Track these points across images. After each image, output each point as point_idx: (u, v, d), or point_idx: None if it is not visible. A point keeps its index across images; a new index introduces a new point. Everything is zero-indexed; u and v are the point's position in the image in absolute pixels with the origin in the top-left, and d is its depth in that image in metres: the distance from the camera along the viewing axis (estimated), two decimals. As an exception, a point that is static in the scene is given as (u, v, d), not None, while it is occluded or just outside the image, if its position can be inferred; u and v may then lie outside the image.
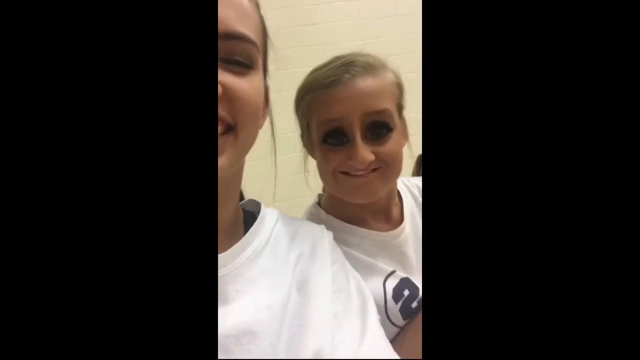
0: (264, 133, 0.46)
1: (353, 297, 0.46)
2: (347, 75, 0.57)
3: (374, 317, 0.45)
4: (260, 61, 0.40)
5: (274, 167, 0.53)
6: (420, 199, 0.71)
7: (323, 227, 0.54)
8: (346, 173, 0.59)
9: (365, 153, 0.56)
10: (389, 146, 0.58)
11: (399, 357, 0.44)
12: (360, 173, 0.58)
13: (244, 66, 0.37)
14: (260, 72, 0.41)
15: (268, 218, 0.49)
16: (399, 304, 0.60)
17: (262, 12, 0.42)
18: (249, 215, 0.49)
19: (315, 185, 0.71)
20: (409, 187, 0.74)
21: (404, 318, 0.60)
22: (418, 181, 0.75)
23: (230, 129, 0.37)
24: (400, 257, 0.65)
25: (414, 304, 0.61)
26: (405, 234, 0.66)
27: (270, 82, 0.46)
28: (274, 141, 0.50)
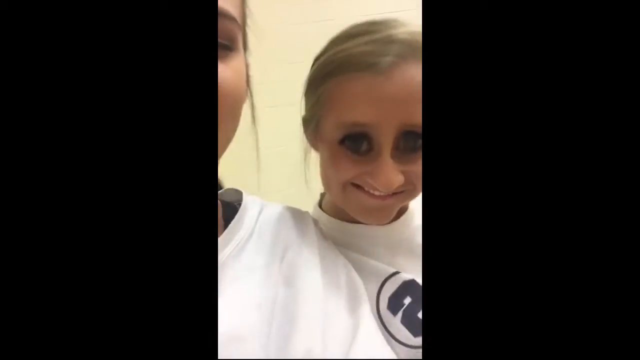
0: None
1: (343, 289, 0.42)
2: (389, 58, 0.40)
3: (366, 310, 0.41)
4: (240, 38, 0.34)
5: (257, 159, 0.48)
6: None
7: (308, 213, 0.49)
8: (359, 187, 0.46)
9: (393, 174, 0.42)
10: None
11: (394, 356, 0.40)
12: (377, 193, 0.45)
13: (222, 48, 0.32)
14: (241, 51, 0.35)
15: (250, 209, 0.44)
16: (399, 315, 0.47)
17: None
18: (229, 207, 0.44)
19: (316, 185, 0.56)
20: None
21: (414, 334, 0.46)
22: None
23: None
24: (411, 254, 0.52)
25: (421, 314, 0.47)
26: (411, 227, 0.53)
27: (250, 59, 0.40)
28: (255, 127, 0.44)
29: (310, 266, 0.41)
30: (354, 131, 0.43)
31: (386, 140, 0.42)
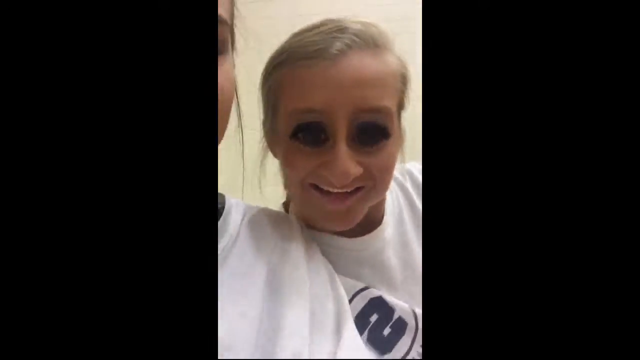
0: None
1: (330, 293, 0.41)
2: (339, 45, 0.40)
3: (349, 314, 0.41)
4: (230, 40, 0.34)
5: (242, 161, 0.47)
6: (415, 193, 0.55)
7: (293, 216, 0.48)
8: (318, 188, 0.44)
9: (349, 164, 0.41)
10: (382, 158, 0.43)
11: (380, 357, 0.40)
12: (336, 191, 0.43)
13: None
14: (231, 53, 0.35)
15: (234, 213, 0.43)
16: (365, 334, 0.46)
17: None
18: None
19: (271, 193, 0.54)
20: (399, 180, 0.56)
21: (381, 352, 0.46)
22: (413, 167, 0.57)
23: None
24: (380, 268, 0.50)
25: (387, 330, 0.47)
26: (382, 240, 0.51)
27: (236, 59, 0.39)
28: (241, 128, 0.44)
29: (296, 271, 0.41)
30: (306, 120, 0.42)
31: (340, 128, 0.41)
